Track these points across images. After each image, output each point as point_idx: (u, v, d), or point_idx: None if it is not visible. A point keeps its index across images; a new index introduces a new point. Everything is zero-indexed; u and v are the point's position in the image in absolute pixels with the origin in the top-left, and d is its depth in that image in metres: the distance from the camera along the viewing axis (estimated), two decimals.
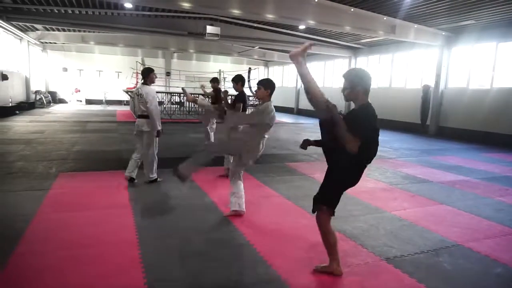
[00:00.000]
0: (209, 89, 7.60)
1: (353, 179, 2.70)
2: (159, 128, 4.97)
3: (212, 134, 7.40)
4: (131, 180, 5.15)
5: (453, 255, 3.25)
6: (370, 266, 2.98)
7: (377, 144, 2.64)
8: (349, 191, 5.28)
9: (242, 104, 5.49)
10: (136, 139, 5.24)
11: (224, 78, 22.90)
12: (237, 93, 5.66)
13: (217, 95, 7.47)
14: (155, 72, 5.18)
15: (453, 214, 4.45)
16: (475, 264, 3.10)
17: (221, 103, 6.16)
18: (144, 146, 5.08)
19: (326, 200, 2.72)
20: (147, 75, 5.04)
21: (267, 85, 3.88)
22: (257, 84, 3.94)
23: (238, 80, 5.56)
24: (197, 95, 10.61)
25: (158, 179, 5.23)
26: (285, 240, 3.48)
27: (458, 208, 4.66)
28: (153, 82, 5.14)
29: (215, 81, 7.84)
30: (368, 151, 2.56)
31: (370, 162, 2.66)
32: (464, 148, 10.38)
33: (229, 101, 6.09)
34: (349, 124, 2.46)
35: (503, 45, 11.59)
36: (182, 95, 17.70)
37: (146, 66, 5.32)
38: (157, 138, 5.14)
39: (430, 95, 13.52)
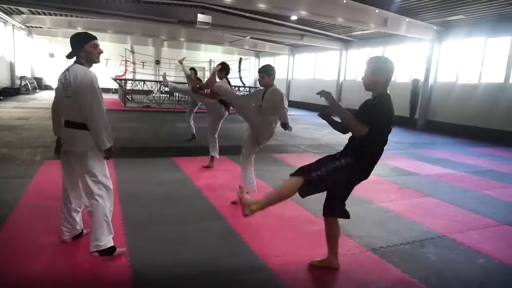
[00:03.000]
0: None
1: (362, 175, 2.57)
2: (108, 144, 2.62)
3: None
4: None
5: (437, 246, 3.30)
6: (356, 256, 3.00)
7: (386, 142, 2.51)
8: None
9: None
10: (64, 171, 2.79)
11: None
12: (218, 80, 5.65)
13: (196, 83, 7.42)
14: (97, 41, 2.68)
15: (439, 206, 4.51)
16: (459, 255, 3.15)
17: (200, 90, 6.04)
18: (84, 186, 2.68)
19: (328, 211, 2.65)
20: (79, 45, 2.60)
21: (269, 72, 3.98)
22: (259, 73, 4.00)
23: (222, 70, 5.52)
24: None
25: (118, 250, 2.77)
26: (271, 230, 3.48)
27: (444, 200, 4.73)
28: (95, 61, 2.68)
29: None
30: (377, 147, 2.48)
31: (378, 159, 2.55)
32: (452, 142, 10.51)
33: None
34: (363, 114, 2.43)
35: (492, 40, 11.70)
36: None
37: (80, 32, 2.91)
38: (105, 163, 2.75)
39: (420, 89, 13.63)
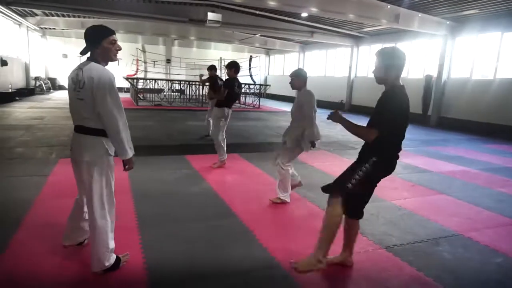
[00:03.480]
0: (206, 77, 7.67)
1: (388, 170, 2.53)
2: (131, 153, 2.50)
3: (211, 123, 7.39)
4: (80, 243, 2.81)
5: (452, 245, 3.25)
6: (369, 254, 2.98)
7: (404, 132, 2.47)
8: None
9: (227, 90, 5.51)
10: (76, 179, 2.53)
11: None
12: (227, 78, 5.68)
13: (214, 83, 7.46)
14: (115, 36, 2.39)
15: (453, 204, 4.44)
16: (474, 254, 3.10)
17: (218, 90, 6.13)
18: (88, 200, 2.45)
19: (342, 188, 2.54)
20: (96, 41, 2.32)
21: (298, 74, 4.08)
22: (290, 76, 4.11)
23: (232, 67, 5.58)
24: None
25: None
26: (283, 227, 3.49)
27: (458, 198, 4.66)
28: (112, 59, 2.41)
29: (212, 68, 7.85)
30: (396, 138, 2.44)
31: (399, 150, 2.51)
32: (465, 139, 10.34)
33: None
34: (376, 110, 2.43)
35: (508, 35, 11.44)
36: (183, 82, 17.65)
37: (96, 25, 2.44)
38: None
39: (433, 85, 13.42)
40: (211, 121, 7.94)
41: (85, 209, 2.58)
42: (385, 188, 4.79)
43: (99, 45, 2.31)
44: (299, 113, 4.05)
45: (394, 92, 2.40)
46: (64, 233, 2.74)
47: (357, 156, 2.59)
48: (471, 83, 12.45)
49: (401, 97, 2.39)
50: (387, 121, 2.35)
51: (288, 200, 4.10)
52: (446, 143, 9.22)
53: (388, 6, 11.38)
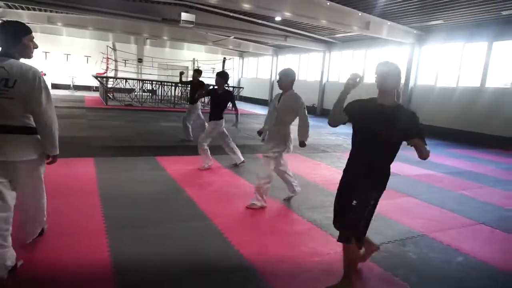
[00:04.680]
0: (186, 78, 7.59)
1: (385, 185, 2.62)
2: (57, 150, 2.50)
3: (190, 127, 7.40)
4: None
5: (418, 245, 3.38)
6: (339, 255, 3.02)
7: None
8: (321, 182, 5.35)
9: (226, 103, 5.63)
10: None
11: (198, 67, 22.55)
12: (224, 90, 5.71)
13: (196, 88, 7.38)
14: (32, 35, 2.37)
15: (419, 206, 4.62)
16: (438, 253, 3.23)
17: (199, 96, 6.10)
18: (26, 195, 2.50)
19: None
20: (17, 37, 2.29)
21: (287, 74, 4.00)
22: (279, 74, 4.04)
23: (222, 78, 5.52)
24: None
25: None
26: (257, 230, 3.49)
27: (423, 200, 4.84)
28: (30, 57, 2.40)
29: (198, 72, 7.81)
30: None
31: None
32: (430, 143, 10.57)
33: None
34: (408, 129, 2.47)
35: (470, 45, 12.07)
36: (155, 82, 17.32)
37: (14, 21, 2.40)
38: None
39: (400, 91, 13.86)
40: (190, 126, 7.85)
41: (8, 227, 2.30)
42: None
43: (19, 41, 2.31)
44: (286, 116, 4.02)
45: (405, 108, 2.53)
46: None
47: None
48: (436, 90, 13.02)
49: None
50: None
51: (264, 204, 4.06)
52: (413, 148, 9.56)
53: (359, 14, 11.71)
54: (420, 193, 5.20)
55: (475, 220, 4.20)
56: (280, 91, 4.14)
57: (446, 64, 13.01)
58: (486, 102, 11.30)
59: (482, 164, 7.94)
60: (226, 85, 5.69)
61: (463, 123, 11.89)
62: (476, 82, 11.82)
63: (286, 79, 3.99)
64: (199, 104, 7.83)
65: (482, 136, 11.25)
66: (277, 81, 4.06)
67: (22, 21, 2.54)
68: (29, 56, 2.39)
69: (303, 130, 4.05)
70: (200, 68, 8.25)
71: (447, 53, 12.93)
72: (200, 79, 7.90)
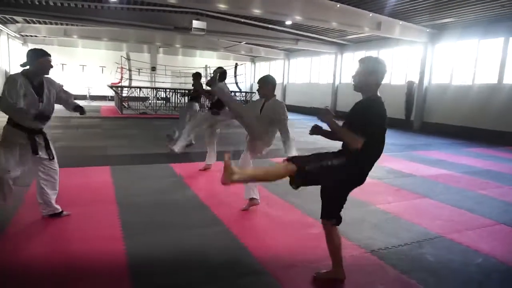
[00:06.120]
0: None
1: (355, 179, 2.49)
2: None
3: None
4: None
5: (435, 247, 3.32)
6: (355, 258, 3.01)
7: (383, 145, 2.44)
8: None
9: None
10: None
11: (211, 74, 22.73)
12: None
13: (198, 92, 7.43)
14: (47, 58, 3.27)
15: (436, 207, 4.54)
16: (456, 255, 3.17)
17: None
18: None
19: (326, 214, 2.56)
20: (34, 60, 3.23)
21: (267, 81, 3.89)
22: (258, 83, 3.93)
23: (220, 76, 5.54)
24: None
25: None
26: (270, 234, 3.50)
27: (440, 201, 4.76)
28: (47, 73, 3.32)
29: (197, 76, 7.63)
30: (372, 151, 2.38)
31: (373, 164, 2.48)
32: (447, 143, 10.58)
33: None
34: (354, 119, 2.37)
35: (485, 42, 11.83)
36: (168, 90, 17.55)
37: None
38: None
39: (415, 91, 13.74)
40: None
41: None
42: (369, 193, 4.86)
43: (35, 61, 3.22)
44: (267, 127, 3.88)
45: (375, 102, 2.39)
46: None
47: None
48: (452, 89, 12.79)
49: (382, 108, 2.38)
50: (370, 125, 2.30)
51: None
52: (429, 147, 9.42)
53: (370, 15, 11.64)
54: (437, 193, 5.11)
55: (495, 220, 4.10)
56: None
57: (461, 62, 12.78)
58: (504, 98, 11.05)
59: (501, 162, 7.75)
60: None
61: (480, 121, 11.64)
62: (493, 79, 11.57)
63: (266, 86, 3.87)
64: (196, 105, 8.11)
65: (501, 134, 10.97)
66: (257, 90, 3.99)
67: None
68: (46, 72, 3.27)
69: (289, 143, 3.89)
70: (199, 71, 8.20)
71: (461, 51, 12.71)
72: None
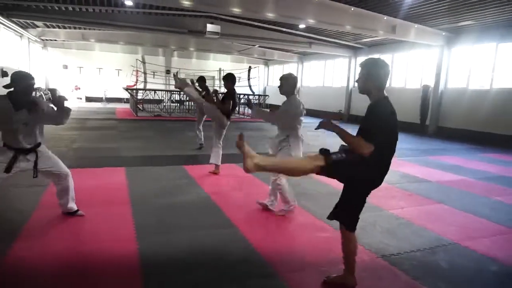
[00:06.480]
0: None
1: (374, 178, 2.45)
2: None
3: (202, 134, 7.50)
4: None
5: (449, 253, 3.27)
6: (366, 263, 3.00)
7: (394, 145, 2.40)
8: None
9: (231, 102, 5.57)
10: None
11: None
12: (226, 91, 5.73)
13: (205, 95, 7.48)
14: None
15: (450, 213, 4.47)
16: (471, 262, 3.12)
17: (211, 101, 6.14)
18: None
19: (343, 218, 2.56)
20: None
21: (285, 78, 4.03)
22: (279, 80, 4.06)
23: (228, 79, 5.61)
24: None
25: None
26: (282, 237, 3.51)
27: (455, 207, 4.68)
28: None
29: (201, 80, 7.68)
30: (383, 152, 2.34)
31: (387, 165, 2.45)
32: (463, 148, 10.39)
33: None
34: (362, 124, 2.39)
35: (503, 45, 11.60)
36: (182, 93, 17.74)
37: None
38: None
39: (430, 95, 13.54)
40: (202, 130, 8.02)
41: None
42: (382, 198, 4.82)
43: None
44: (285, 122, 4.00)
45: (377, 106, 2.38)
46: None
47: None
48: (468, 93, 12.56)
49: (386, 111, 2.35)
50: (375, 127, 2.30)
51: (292, 209, 4.08)
52: (444, 153, 9.27)
53: (385, 18, 11.55)
54: (451, 199, 5.03)
55: (511, 227, 4.02)
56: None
57: (478, 66, 12.55)
58: None
59: None
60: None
61: (498, 125, 11.39)
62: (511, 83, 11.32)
63: (287, 83, 3.99)
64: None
65: None
66: (278, 87, 4.08)
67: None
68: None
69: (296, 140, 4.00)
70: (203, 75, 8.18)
71: (479, 54, 12.48)
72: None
